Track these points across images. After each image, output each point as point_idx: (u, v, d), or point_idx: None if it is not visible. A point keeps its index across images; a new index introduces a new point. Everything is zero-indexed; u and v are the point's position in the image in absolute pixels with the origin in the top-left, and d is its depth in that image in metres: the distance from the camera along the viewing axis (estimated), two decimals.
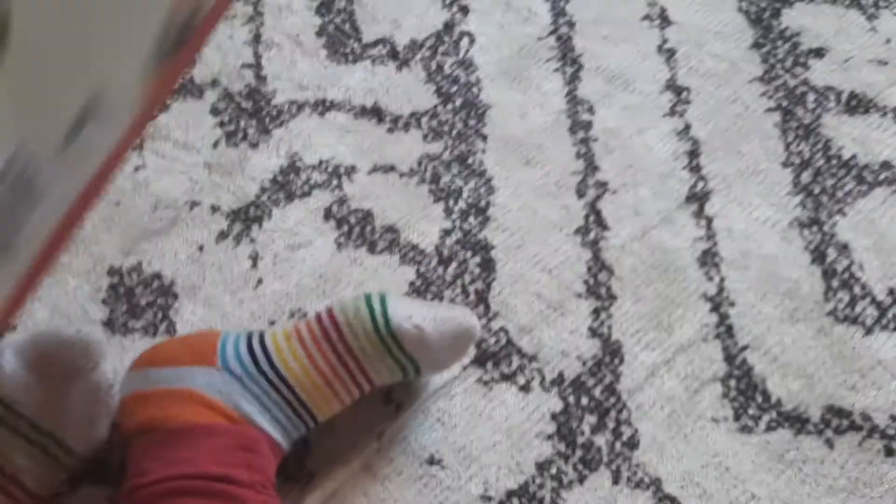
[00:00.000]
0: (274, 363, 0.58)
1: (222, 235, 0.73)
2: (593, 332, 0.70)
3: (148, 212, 0.74)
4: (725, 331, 0.70)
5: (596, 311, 0.71)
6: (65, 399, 0.55)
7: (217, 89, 0.81)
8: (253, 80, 0.82)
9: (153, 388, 0.58)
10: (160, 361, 0.60)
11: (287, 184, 0.76)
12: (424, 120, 0.80)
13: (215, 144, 0.78)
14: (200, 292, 0.70)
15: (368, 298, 0.61)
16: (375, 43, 0.85)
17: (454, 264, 0.73)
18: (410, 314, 0.60)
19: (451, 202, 0.76)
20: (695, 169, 0.78)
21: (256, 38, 0.85)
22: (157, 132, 0.78)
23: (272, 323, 0.69)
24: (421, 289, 0.71)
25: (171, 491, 0.52)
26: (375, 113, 0.80)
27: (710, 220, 0.76)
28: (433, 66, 0.84)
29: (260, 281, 0.71)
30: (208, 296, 0.70)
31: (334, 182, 0.76)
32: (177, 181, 0.76)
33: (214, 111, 0.80)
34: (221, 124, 0.79)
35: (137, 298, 0.69)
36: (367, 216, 0.75)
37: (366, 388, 0.61)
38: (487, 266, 0.73)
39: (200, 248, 0.72)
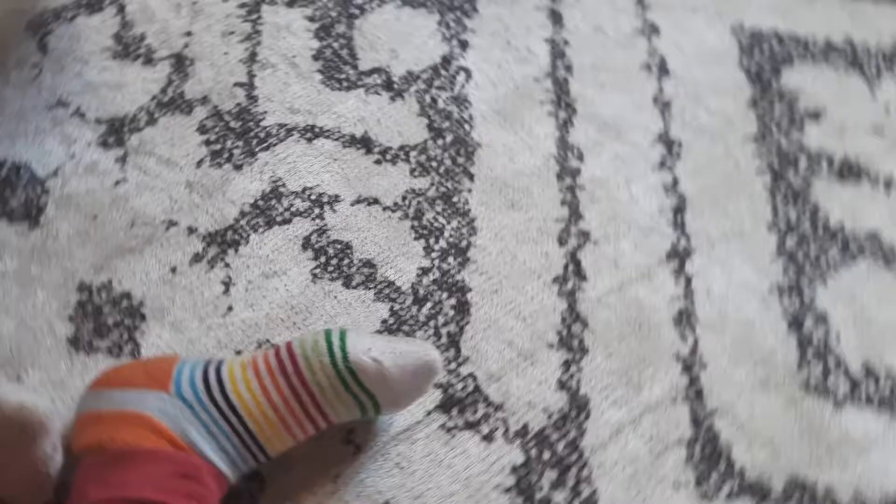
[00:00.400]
0: (226, 392, 0.58)
1: (196, 258, 0.72)
2: (562, 385, 0.69)
3: (125, 228, 0.73)
4: (695, 394, 0.70)
5: (567, 364, 0.70)
6: (3, 464, 0.55)
7: (207, 106, 0.81)
8: (244, 100, 0.82)
9: (105, 409, 0.58)
10: (116, 383, 0.59)
11: (268, 209, 0.75)
12: (413, 154, 0.80)
13: (199, 163, 0.77)
14: (169, 315, 0.69)
15: (328, 333, 0.60)
16: (371, 71, 0.84)
17: (429, 304, 0.72)
18: (369, 347, 0.60)
19: (433, 240, 0.75)
20: (679, 225, 0.78)
21: (252, 57, 0.84)
22: (142, 146, 0.78)
23: (238, 352, 0.68)
24: (393, 327, 0.71)
25: None
26: (364, 143, 0.80)
27: (689, 279, 0.75)
28: (427, 99, 0.83)
29: (230, 308, 0.70)
30: (176, 320, 0.69)
31: (316, 211, 0.76)
32: (156, 198, 0.75)
33: (202, 129, 0.79)
34: (207, 143, 0.79)
35: (105, 317, 0.69)
36: (346, 248, 0.74)
37: (321, 425, 0.60)
38: (462, 309, 0.72)
39: (173, 270, 0.71)
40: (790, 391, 0.70)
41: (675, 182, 0.80)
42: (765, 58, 0.89)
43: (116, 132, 0.78)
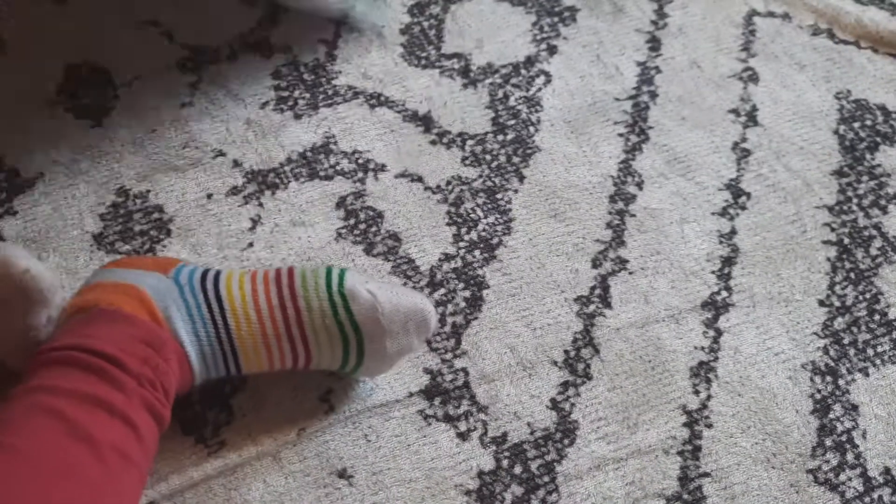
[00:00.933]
0: (218, 284, 0.58)
1: (234, 191, 0.73)
2: (554, 405, 0.66)
3: (177, 147, 0.75)
4: (692, 450, 0.65)
5: (565, 385, 0.67)
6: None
7: (287, 55, 0.82)
8: (323, 56, 0.83)
9: (106, 280, 0.59)
10: (124, 265, 0.61)
11: (314, 162, 0.76)
12: (470, 143, 0.79)
13: (263, 105, 0.79)
14: (192, 237, 0.71)
15: (330, 266, 0.60)
16: (452, 56, 0.84)
17: (443, 290, 0.70)
18: (367, 281, 0.59)
19: (464, 230, 0.74)
20: (724, 276, 0.73)
21: (342, 20, 0.86)
22: (217, 78, 0.80)
23: None
24: None
25: (59, 359, 0.52)
26: (425, 121, 0.79)
27: (719, 333, 0.70)
28: (500, 93, 0.82)
29: (250, 244, 0.71)
30: (198, 242, 0.70)
31: (359, 175, 0.76)
32: (214, 127, 0.77)
33: (276, 74, 0.81)
34: (277, 88, 0.80)
35: (133, 223, 0.71)
36: (378, 217, 0.74)
37: (300, 355, 0.58)
38: (474, 303, 0.70)
39: (209, 196, 0.73)
40: (796, 475, 0.65)
41: (733, 232, 0.76)
42: (864, 130, 0.83)
43: (197, 59, 0.81)
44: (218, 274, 0.59)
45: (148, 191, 0.72)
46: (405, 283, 0.70)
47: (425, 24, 0.86)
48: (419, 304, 0.59)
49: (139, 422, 0.51)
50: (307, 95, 0.80)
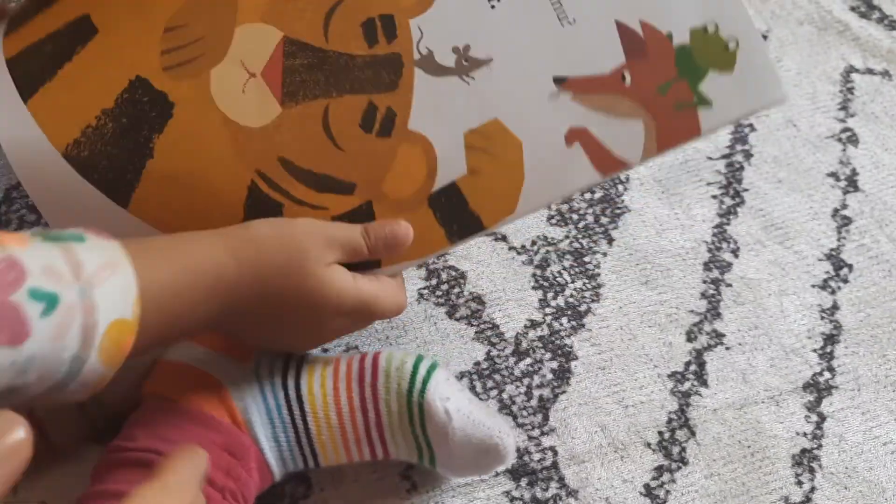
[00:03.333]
0: (300, 383, 0.55)
1: None
2: (648, 491, 0.62)
3: None
4: None
5: (659, 470, 0.63)
6: None
7: None
8: None
9: (191, 363, 0.56)
10: (215, 345, 0.57)
11: None
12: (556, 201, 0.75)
13: None
14: None
15: (419, 359, 0.57)
16: None
17: (528, 360, 0.67)
18: (448, 397, 0.55)
19: (551, 295, 0.70)
20: (826, 356, 0.69)
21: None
22: None
23: (325, 350, 0.65)
24: (485, 373, 0.66)
25: (139, 460, 0.50)
26: None
27: (822, 419, 0.66)
28: None
29: None
30: None
31: None
32: None
33: None
34: None
35: None
36: (461, 277, 0.70)
37: (378, 453, 0.56)
38: (562, 376, 0.66)
39: None
40: None
41: (835, 308, 0.71)
42: None
43: None
44: (300, 368, 0.56)
45: None
46: (489, 351, 0.67)
47: None
48: (494, 440, 0.55)
49: None
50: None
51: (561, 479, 0.62)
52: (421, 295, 0.69)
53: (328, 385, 0.56)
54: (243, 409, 0.54)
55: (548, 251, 0.72)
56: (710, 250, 0.74)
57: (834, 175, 0.79)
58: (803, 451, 0.65)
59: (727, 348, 0.69)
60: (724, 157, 0.79)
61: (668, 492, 0.62)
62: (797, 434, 0.65)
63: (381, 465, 0.61)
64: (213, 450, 0.51)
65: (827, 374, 0.68)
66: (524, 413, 0.64)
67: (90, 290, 0.38)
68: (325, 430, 0.55)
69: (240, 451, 0.53)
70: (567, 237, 0.73)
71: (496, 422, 0.56)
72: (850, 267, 0.74)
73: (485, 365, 0.66)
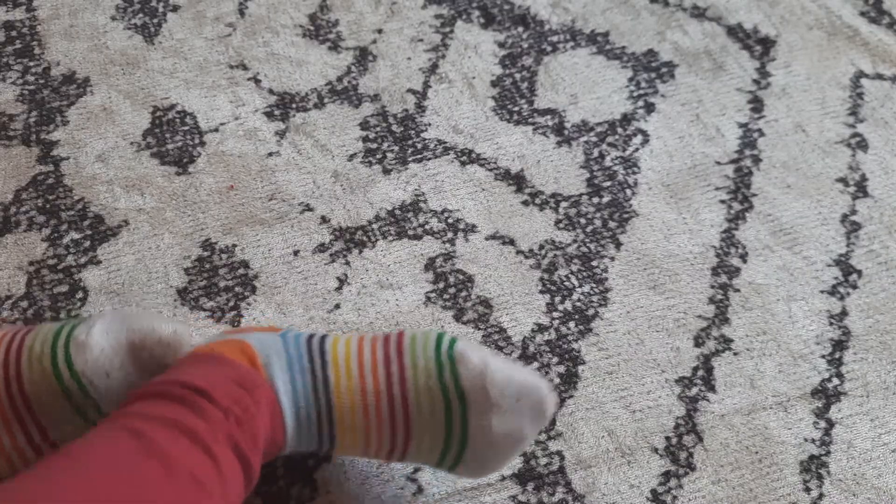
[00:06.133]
0: (324, 341, 0.54)
1: (321, 248, 0.71)
2: (655, 497, 0.62)
3: (263, 199, 0.73)
4: None
5: (667, 475, 0.63)
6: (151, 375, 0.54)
7: (376, 104, 0.80)
8: (412, 107, 0.80)
9: (215, 338, 0.56)
10: (234, 331, 0.58)
11: (403, 220, 0.73)
12: (564, 205, 0.75)
13: (351, 157, 0.76)
14: (278, 295, 0.68)
15: (442, 332, 0.55)
16: (545, 111, 0.81)
17: (536, 364, 0.67)
18: (480, 349, 0.53)
19: (558, 299, 0.70)
20: (835, 362, 0.68)
21: (433, 68, 0.83)
22: (304, 126, 0.78)
23: None
24: None
25: (154, 393, 0.49)
26: (517, 180, 0.76)
27: (831, 425, 0.66)
28: (595, 153, 0.79)
29: (337, 306, 0.68)
30: (284, 301, 0.68)
31: (449, 235, 0.72)
32: (301, 179, 0.74)
33: (364, 124, 0.78)
34: (366, 139, 0.78)
35: (219, 279, 0.68)
36: (468, 281, 0.70)
37: (399, 429, 0.52)
38: (570, 380, 0.66)
39: (296, 253, 0.70)
40: None
41: (844, 313, 0.71)
42: None
43: (284, 106, 0.79)
44: (326, 335, 0.55)
45: (234, 245, 0.70)
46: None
47: (517, 76, 0.83)
48: (536, 382, 0.52)
49: (221, 456, 0.47)
50: (396, 148, 0.77)
51: (568, 484, 0.62)
52: (428, 298, 0.69)
53: (352, 343, 0.54)
54: (264, 357, 0.53)
55: (556, 255, 0.72)
56: (718, 255, 0.73)
57: (843, 180, 0.79)
58: (811, 457, 0.64)
59: (735, 354, 0.68)
60: (733, 161, 0.79)
61: (675, 497, 0.62)
62: (805, 440, 0.65)
63: (387, 469, 0.61)
64: (222, 380, 0.50)
65: (835, 381, 0.68)
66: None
67: None
68: (343, 380, 0.52)
69: (249, 384, 0.51)
70: (575, 241, 0.73)
71: (534, 372, 0.53)
72: (860, 273, 0.73)
73: None
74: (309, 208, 0.73)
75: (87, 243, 0.69)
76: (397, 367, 0.52)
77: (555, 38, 0.86)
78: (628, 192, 0.77)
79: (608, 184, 0.77)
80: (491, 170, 0.77)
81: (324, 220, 0.72)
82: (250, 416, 0.50)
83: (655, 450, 0.64)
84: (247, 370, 0.52)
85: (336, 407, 0.52)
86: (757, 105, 0.83)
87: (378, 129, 0.78)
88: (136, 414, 0.48)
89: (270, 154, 0.76)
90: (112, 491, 0.42)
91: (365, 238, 0.71)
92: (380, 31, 0.85)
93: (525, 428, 0.53)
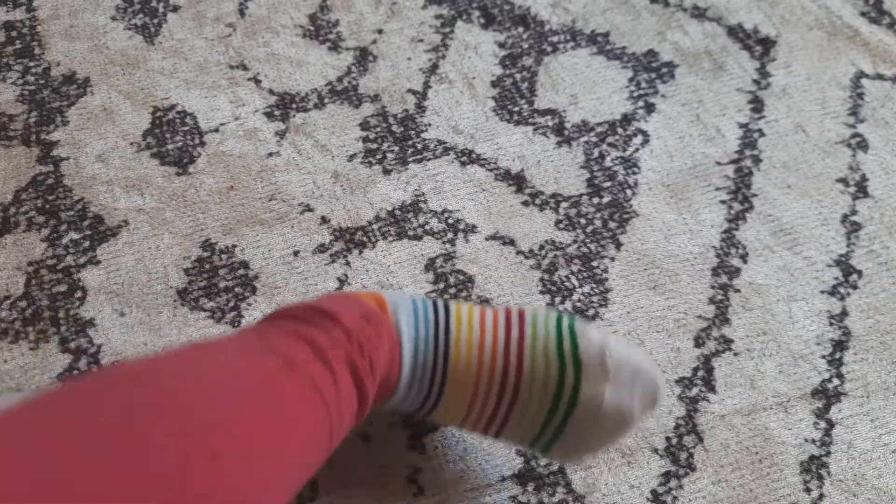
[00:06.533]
0: (449, 303, 0.54)
1: (321, 248, 0.71)
2: (655, 497, 0.62)
3: (263, 199, 0.73)
4: None
5: (667, 475, 0.63)
6: None
7: (376, 104, 0.80)
8: (412, 108, 0.80)
9: None
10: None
11: (403, 221, 0.73)
12: (564, 205, 0.75)
13: (351, 157, 0.76)
14: (278, 295, 0.68)
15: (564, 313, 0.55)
16: (545, 112, 0.81)
17: None
18: (602, 329, 0.53)
19: (559, 299, 0.70)
20: (835, 362, 0.68)
21: (433, 69, 0.83)
22: (304, 127, 0.78)
23: None
24: None
25: (282, 313, 0.50)
26: (517, 181, 0.76)
27: (831, 425, 0.66)
28: (595, 153, 0.79)
29: None
30: (284, 302, 0.67)
31: (449, 235, 0.72)
32: (301, 180, 0.74)
33: (364, 125, 0.78)
34: (366, 140, 0.77)
35: (218, 279, 0.68)
36: (468, 281, 0.70)
37: (508, 387, 0.51)
38: None
39: (296, 253, 0.70)
40: None
41: (844, 314, 0.71)
42: None
43: (284, 106, 0.79)
44: (450, 300, 0.56)
45: (234, 245, 0.70)
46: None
47: (517, 76, 0.83)
48: (653, 367, 0.52)
49: (339, 372, 0.47)
50: (396, 149, 0.77)
51: (568, 485, 0.62)
52: None
53: (475, 309, 0.54)
54: (392, 304, 0.53)
55: (556, 256, 0.72)
56: (718, 255, 0.73)
57: (843, 181, 0.79)
58: (812, 457, 0.64)
59: (735, 354, 0.68)
60: (733, 161, 0.79)
61: (675, 498, 0.62)
62: (806, 441, 0.65)
63: (389, 467, 0.61)
64: (350, 311, 0.51)
65: (836, 381, 0.68)
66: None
67: None
68: (465, 332, 0.52)
69: (375, 320, 0.51)
70: (575, 242, 0.73)
71: (649, 362, 0.52)
72: (860, 273, 0.73)
73: None
74: (309, 209, 0.72)
75: (87, 243, 0.69)
76: (517, 332, 0.52)
77: (555, 39, 0.86)
78: (628, 192, 0.76)
79: (608, 184, 0.77)
80: (491, 170, 0.77)
81: (324, 220, 0.72)
82: (372, 345, 0.50)
83: (656, 450, 0.64)
84: (374, 310, 0.52)
85: (453, 357, 0.52)
86: (757, 105, 0.83)
87: (378, 129, 0.78)
88: (260, 328, 0.49)
89: (270, 154, 0.76)
90: (229, 366, 0.42)
91: (365, 238, 0.71)
92: (380, 32, 0.85)
93: (635, 408, 0.51)
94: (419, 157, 0.77)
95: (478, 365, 0.51)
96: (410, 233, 0.72)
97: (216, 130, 0.77)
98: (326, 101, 0.80)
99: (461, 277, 0.70)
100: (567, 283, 0.71)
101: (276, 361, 0.44)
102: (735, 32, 0.89)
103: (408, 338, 0.52)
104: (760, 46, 0.88)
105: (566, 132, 0.80)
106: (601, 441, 0.52)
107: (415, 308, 0.54)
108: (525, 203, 0.75)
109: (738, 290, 0.72)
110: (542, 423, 0.52)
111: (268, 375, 0.43)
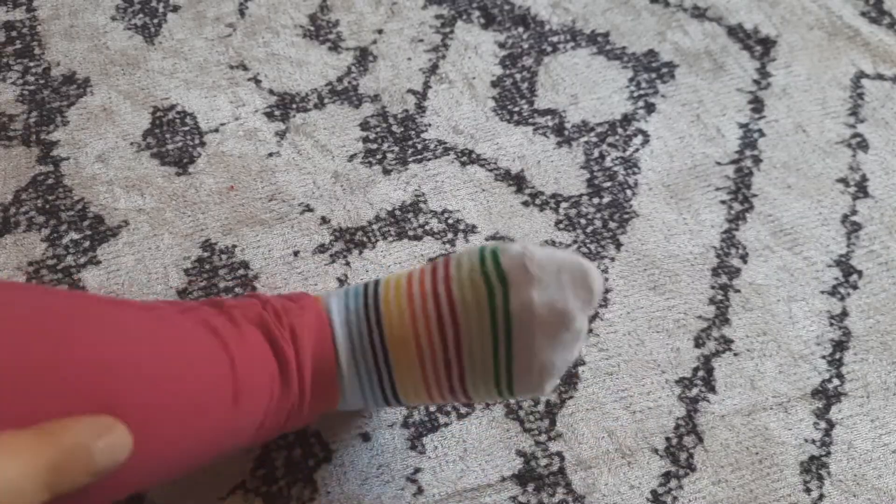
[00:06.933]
0: (379, 279, 0.53)
1: (321, 248, 0.71)
2: (655, 497, 0.62)
3: (263, 199, 0.73)
4: None
5: (667, 476, 0.63)
6: None
7: (376, 105, 0.80)
8: (413, 108, 0.80)
9: None
10: None
11: (403, 221, 0.73)
12: (564, 205, 0.75)
13: (351, 157, 0.76)
14: None
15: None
16: (545, 112, 0.81)
17: None
18: (522, 242, 0.52)
19: None
20: (835, 363, 0.68)
21: (433, 69, 0.83)
22: (304, 127, 0.78)
23: None
24: None
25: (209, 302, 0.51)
26: (517, 181, 0.76)
27: (831, 425, 0.66)
28: (595, 153, 0.79)
29: None
30: None
31: (449, 235, 0.72)
32: (301, 180, 0.74)
33: (364, 125, 0.78)
34: (366, 140, 0.77)
35: (218, 280, 0.68)
36: None
37: (448, 334, 0.49)
38: (569, 381, 0.66)
39: (296, 254, 0.70)
40: None
41: (844, 314, 0.71)
42: None
43: (284, 106, 0.79)
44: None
45: (234, 245, 0.70)
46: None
47: (517, 76, 0.83)
48: (578, 259, 0.49)
49: (245, 327, 0.46)
50: (396, 149, 0.77)
51: (568, 485, 0.62)
52: None
53: (405, 271, 0.53)
54: (325, 294, 0.54)
55: None
56: (718, 256, 0.73)
57: (843, 181, 0.79)
58: (812, 458, 0.64)
59: (735, 354, 0.68)
60: (733, 162, 0.79)
61: (675, 498, 0.62)
62: (806, 441, 0.65)
63: (387, 466, 0.61)
64: (273, 296, 0.51)
65: (836, 381, 0.68)
66: (531, 418, 0.64)
67: None
68: (392, 290, 0.51)
69: (298, 298, 0.51)
70: (575, 242, 0.73)
71: (580, 255, 0.51)
72: (860, 273, 0.73)
73: None
74: (309, 209, 0.72)
75: (87, 243, 0.69)
76: (443, 272, 0.50)
77: (555, 39, 0.86)
78: (628, 192, 0.76)
79: (608, 184, 0.77)
80: (491, 170, 0.76)
81: (324, 220, 0.72)
82: (293, 315, 0.49)
83: (656, 450, 0.64)
84: (300, 293, 0.52)
85: (385, 316, 0.50)
86: (757, 105, 0.83)
87: (378, 129, 0.78)
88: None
89: (270, 154, 0.76)
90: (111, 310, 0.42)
91: (365, 239, 0.71)
92: (380, 32, 0.85)
93: (569, 301, 0.47)
94: (419, 157, 0.77)
95: (410, 315, 0.49)
96: (410, 233, 0.72)
97: (216, 130, 0.77)
98: (326, 101, 0.80)
99: None
100: None
101: (169, 307, 0.44)
102: (735, 32, 0.88)
103: (337, 312, 0.51)
104: (761, 46, 0.88)
105: (566, 132, 0.80)
106: (552, 349, 0.48)
107: (346, 290, 0.53)
108: (525, 203, 0.75)
109: (738, 291, 0.72)
110: (493, 354, 0.49)
111: (152, 309, 0.43)
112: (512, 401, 0.52)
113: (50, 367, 0.36)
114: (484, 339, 0.49)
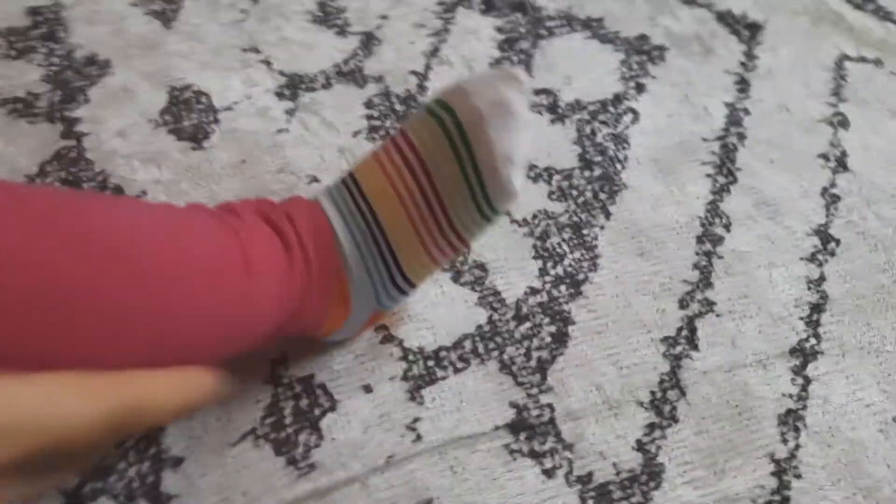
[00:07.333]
0: (354, 170, 0.58)
1: None
2: (640, 446, 0.66)
3: (273, 172, 0.77)
4: (780, 501, 0.64)
5: (651, 426, 0.67)
6: None
7: (380, 85, 0.84)
8: (414, 88, 0.84)
9: None
10: None
11: None
12: (557, 178, 0.79)
13: (356, 133, 0.81)
14: None
15: None
16: (540, 91, 0.85)
17: (528, 324, 0.71)
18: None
19: (550, 264, 0.74)
20: (812, 323, 0.72)
21: (434, 52, 0.87)
22: (312, 105, 0.82)
23: None
24: (487, 335, 0.70)
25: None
26: None
27: (808, 381, 0.70)
28: (587, 130, 0.83)
29: None
30: None
31: None
32: (309, 154, 0.79)
33: (369, 103, 0.83)
34: (370, 117, 0.82)
35: None
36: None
37: (418, 172, 0.54)
38: (560, 339, 0.70)
39: None
40: None
41: (822, 279, 0.75)
42: None
43: (293, 87, 0.83)
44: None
45: None
46: (490, 315, 0.71)
47: (515, 59, 0.87)
48: (497, 67, 0.56)
49: (245, 214, 0.52)
50: (398, 126, 0.81)
51: (558, 434, 0.66)
52: None
53: (372, 160, 0.57)
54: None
55: (548, 224, 0.76)
56: (703, 225, 0.77)
57: (824, 156, 0.83)
58: (788, 411, 0.68)
59: (718, 315, 0.72)
60: (719, 138, 0.83)
61: (659, 447, 0.66)
62: (783, 395, 0.69)
63: (389, 414, 0.65)
64: (267, 199, 0.57)
65: (813, 341, 0.72)
66: (523, 373, 0.68)
67: None
68: (365, 164, 0.57)
69: (288, 197, 0.58)
70: (566, 212, 0.77)
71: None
72: (838, 241, 0.77)
73: (487, 328, 0.70)
74: (316, 180, 0.77)
75: None
76: (397, 132, 0.56)
77: (551, 24, 0.91)
78: (618, 166, 0.81)
79: (599, 158, 0.81)
80: None
81: None
82: (287, 204, 0.55)
83: (641, 403, 0.68)
84: (293, 195, 0.59)
85: (362, 180, 0.56)
86: (743, 86, 0.87)
87: (381, 107, 0.83)
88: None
89: (280, 131, 0.80)
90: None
91: None
92: (385, 17, 0.90)
93: (503, 93, 0.51)
94: None
95: (382, 170, 0.55)
96: None
97: (229, 109, 0.81)
98: (333, 81, 0.84)
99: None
100: (559, 250, 0.75)
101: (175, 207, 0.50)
102: (724, 18, 0.93)
103: (324, 196, 0.58)
104: (748, 31, 0.92)
105: (560, 110, 0.84)
106: (508, 139, 0.51)
107: (327, 186, 0.59)
108: None
109: (721, 257, 0.76)
110: (461, 172, 0.53)
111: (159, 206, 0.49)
112: (495, 218, 0.56)
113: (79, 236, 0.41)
114: (449, 162, 0.53)
